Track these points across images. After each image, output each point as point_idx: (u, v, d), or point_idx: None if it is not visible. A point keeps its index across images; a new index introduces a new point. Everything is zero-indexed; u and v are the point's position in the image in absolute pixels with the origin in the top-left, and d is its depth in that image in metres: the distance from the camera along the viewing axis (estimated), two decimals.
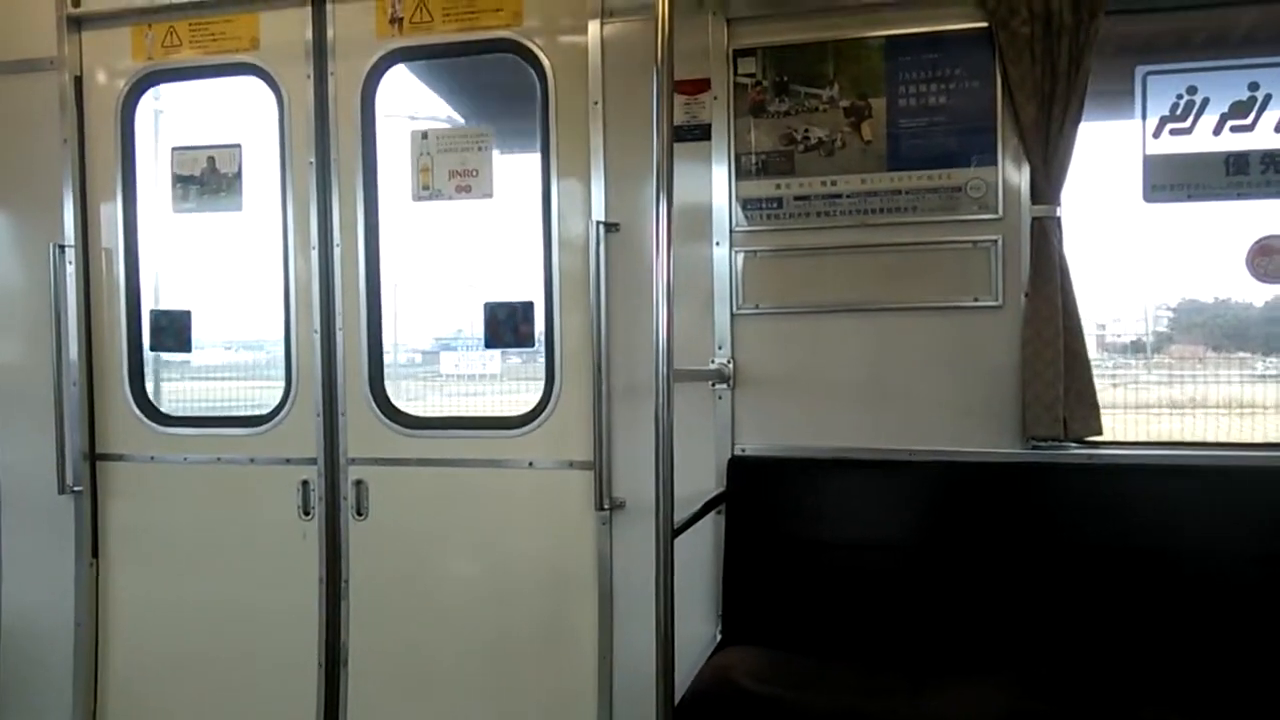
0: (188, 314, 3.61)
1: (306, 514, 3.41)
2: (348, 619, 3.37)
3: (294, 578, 3.41)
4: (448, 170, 3.28)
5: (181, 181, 3.54)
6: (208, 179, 3.53)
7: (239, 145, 3.52)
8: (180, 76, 3.54)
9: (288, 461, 3.42)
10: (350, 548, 3.37)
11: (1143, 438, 3.07)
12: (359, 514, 3.36)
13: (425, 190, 3.31)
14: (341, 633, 3.38)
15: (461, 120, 3.53)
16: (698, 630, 3.01)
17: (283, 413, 3.43)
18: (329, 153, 3.36)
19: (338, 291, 3.36)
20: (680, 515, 2.47)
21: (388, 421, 3.34)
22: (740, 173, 3.06)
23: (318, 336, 3.38)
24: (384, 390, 3.37)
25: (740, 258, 3.07)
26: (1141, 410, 3.21)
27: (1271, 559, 2.62)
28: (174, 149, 3.57)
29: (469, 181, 3.26)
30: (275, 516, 3.43)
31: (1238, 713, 2.30)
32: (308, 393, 3.40)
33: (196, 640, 3.51)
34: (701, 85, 3.06)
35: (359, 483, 3.36)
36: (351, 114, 3.33)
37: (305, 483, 3.40)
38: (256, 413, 3.52)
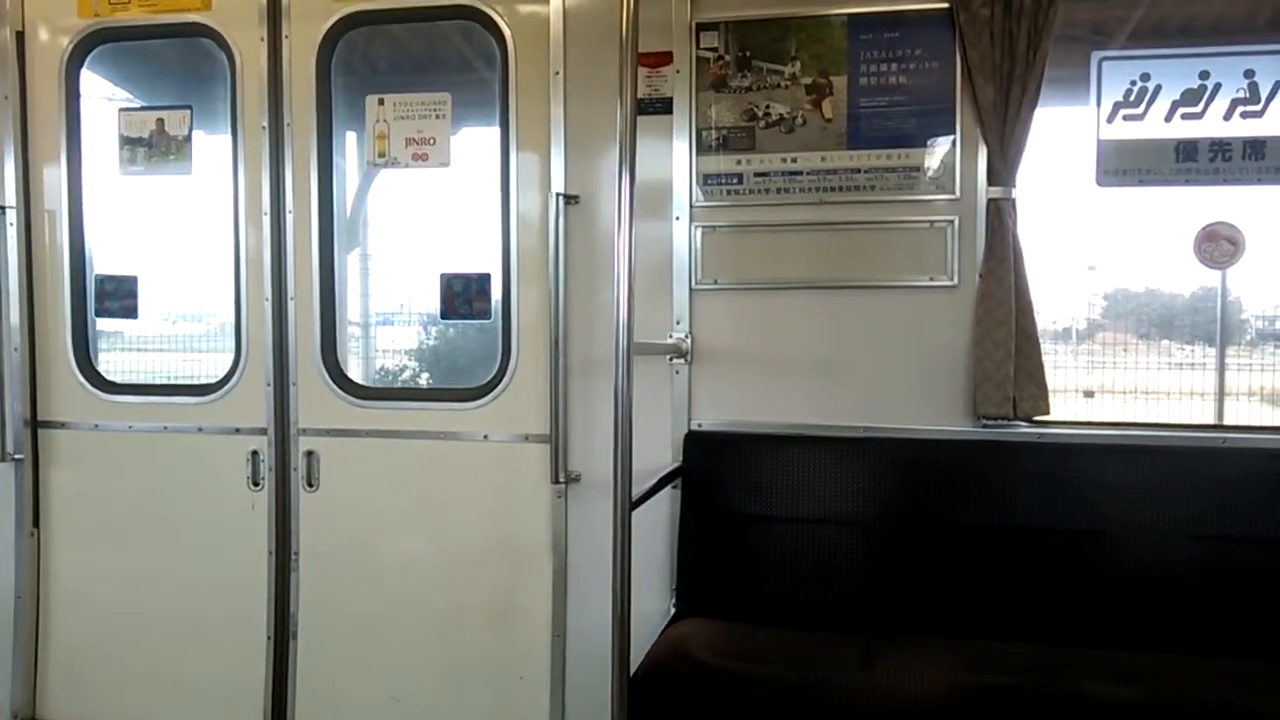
0: (134, 279, 3.52)
1: (256, 484, 3.36)
2: (297, 591, 3.34)
3: (242, 549, 3.36)
4: (404, 138, 3.24)
5: (129, 143, 3.45)
6: (156, 141, 3.44)
7: (190, 107, 3.43)
8: (127, 36, 3.43)
9: (237, 431, 3.36)
10: (300, 519, 3.34)
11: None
12: (309, 485, 3.32)
13: (381, 158, 3.26)
14: (291, 605, 3.34)
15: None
16: (651, 604, 3.02)
17: (232, 381, 3.37)
18: (282, 118, 3.29)
19: (289, 259, 3.31)
20: (636, 489, 2.48)
21: (340, 392, 3.30)
22: (701, 148, 3.06)
23: (269, 304, 3.32)
24: (336, 360, 3.33)
25: (699, 233, 3.07)
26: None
27: (1204, 537, 2.70)
28: (121, 110, 3.47)
29: (426, 150, 3.22)
30: (224, 487, 3.37)
31: (1175, 684, 2.37)
32: (258, 362, 3.34)
33: (141, 612, 3.44)
34: (664, 58, 3.05)
35: (310, 453, 3.32)
36: (306, 79, 3.26)
37: (255, 453, 3.35)
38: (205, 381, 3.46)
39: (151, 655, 3.44)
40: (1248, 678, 2.42)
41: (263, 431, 3.35)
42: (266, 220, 3.31)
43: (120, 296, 3.53)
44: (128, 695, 3.46)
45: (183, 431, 3.41)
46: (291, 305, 3.31)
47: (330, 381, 3.30)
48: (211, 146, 3.42)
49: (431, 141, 3.21)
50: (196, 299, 3.76)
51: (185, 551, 3.41)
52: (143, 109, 3.47)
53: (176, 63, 3.61)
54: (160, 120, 3.43)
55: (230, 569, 3.37)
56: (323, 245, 3.30)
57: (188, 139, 3.43)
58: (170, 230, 3.61)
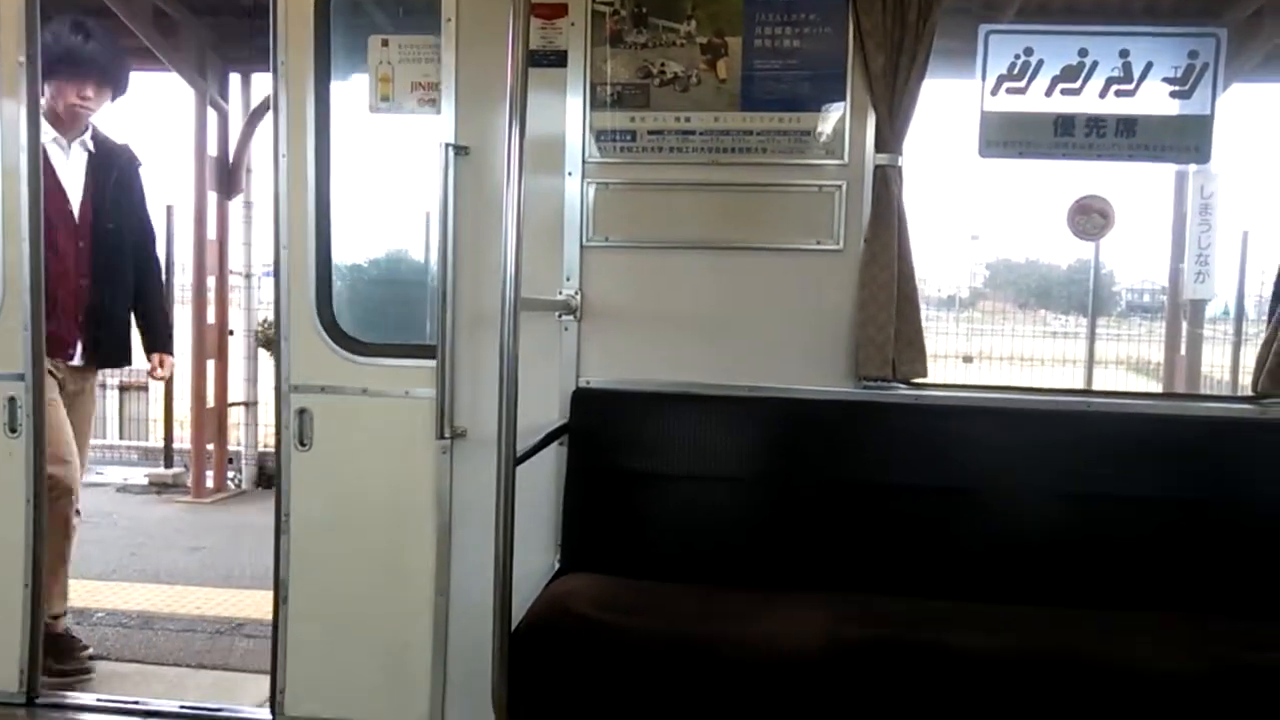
0: None
1: (13, 431, 3.21)
2: (288, 555, 3.18)
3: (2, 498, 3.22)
4: (410, 81, 3.11)
5: None
6: None
7: None
8: None
9: None
10: (293, 480, 3.16)
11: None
12: (302, 444, 3.17)
13: (385, 102, 3.12)
14: (282, 569, 3.18)
15: None
16: (537, 561, 3.02)
17: None
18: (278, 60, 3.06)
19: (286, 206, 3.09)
20: (522, 446, 2.47)
21: (336, 347, 3.14)
22: (595, 103, 3.02)
23: (26, 246, 3.14)
24: (332, 315, 3.14)
25: (591, 189, 3.04)
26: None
27: (1070, 496, 2.83)
28: None
29: (433, 95, 3.07)
30: None
31: (1035, 635, 2.48)
32: (14, 304, 3.18)
33: None
34: (559, 10, 2.99)
35: (302, 411, 3.16)
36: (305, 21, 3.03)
37: (12, 399, 3.20)
38: None
39: None
40: (1101, 628, 2.54)
41: (20, 377, 3.20)
42: (23, 158, 3.13)
43: None
44: None
45: None
46: (285, 255, 3.12)
47: (326, 337, 3.14)
48: None
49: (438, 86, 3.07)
50: None
51: None
52: None
53: None
54: None
55: None
56: (319, 192, 3.10)
57: None
58: None
